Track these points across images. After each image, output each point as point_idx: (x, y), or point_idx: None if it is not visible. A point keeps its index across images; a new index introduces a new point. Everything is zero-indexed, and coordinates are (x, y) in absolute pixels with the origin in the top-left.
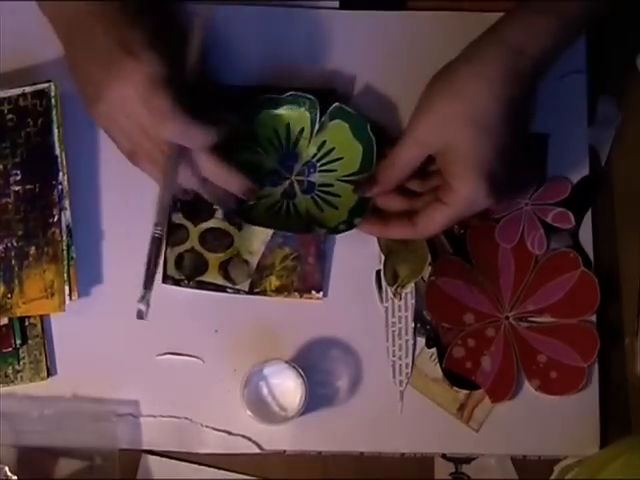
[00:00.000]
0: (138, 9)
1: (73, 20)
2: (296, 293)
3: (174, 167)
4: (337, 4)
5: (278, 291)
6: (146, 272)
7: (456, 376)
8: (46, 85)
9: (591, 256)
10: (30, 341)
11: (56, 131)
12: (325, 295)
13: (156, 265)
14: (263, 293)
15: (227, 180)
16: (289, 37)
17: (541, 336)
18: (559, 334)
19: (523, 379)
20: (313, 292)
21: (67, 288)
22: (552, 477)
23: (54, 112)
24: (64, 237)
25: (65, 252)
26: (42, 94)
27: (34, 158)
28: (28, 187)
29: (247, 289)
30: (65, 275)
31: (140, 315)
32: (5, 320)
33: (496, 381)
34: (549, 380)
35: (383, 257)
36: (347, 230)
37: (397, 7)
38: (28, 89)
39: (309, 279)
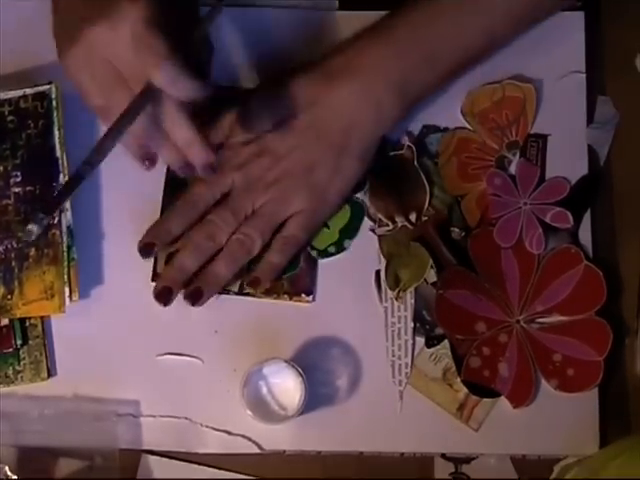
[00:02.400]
0: None
1: None
2: (286, 296)
3: (135, 112)
4: (337, 4)
5: (267, 293)
6: (54, 199)
7: (476, 386)
8: (47, 87)
9: (591, 256)
10: (30, 342)
11: (57, 133)
12: (321, 297)
13: (65, 198)
14: (252, 295)
15: (191, 147)
16: (289, 37)
17: (553, 335)
18: (571, 331)
19: (541, 381)
20: (303, 295)
21: (67, 289)
22: (552, 477)
23: (55, 114)
24: (64, 239)
25: (66, 253)
26: (43, 96)
27: (34, 160)
28: (28, 189)
29: (236, 290)
30: (65, 276)
31: (29, 235)
32: (6, 321)
33: (515, 386)
34: (567, 378)
35: (384, 261)
36: (337, 253)
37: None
38: (29, 91)
39: (299, 282)
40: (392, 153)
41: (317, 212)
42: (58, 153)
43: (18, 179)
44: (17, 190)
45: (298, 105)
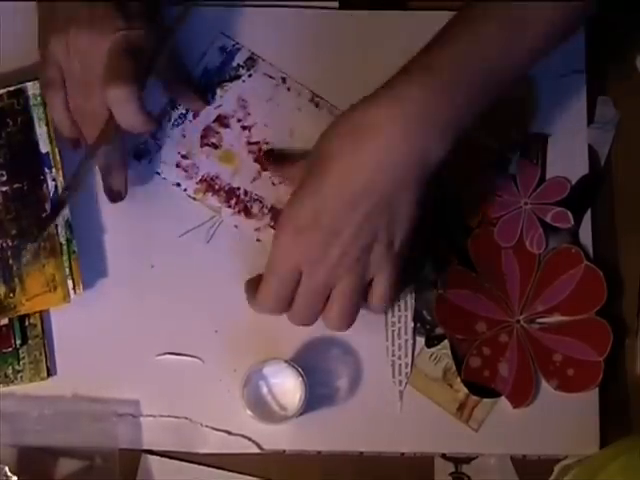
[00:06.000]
0: None
1: None
2: None
3: (110, 132)
4: (337, 4)
5: None
6: (40, 224)
7: (476, 386)
8: (22, 85)
9: (591, 256)
10: (30, 341)
11: (45, 128)
12: None
13: (50, 222)
14: None
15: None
16: (289, 37)
17: (554, 335)
18: (571, 331)
19: (541, 381)
20: None
21: (70, 282)
22: (552, 477)
23: (35, 110)
24: (60, 230)
25: (66, 247)
26: (18, 93)
27: (18, 157)
28: (16, 186)
29: None
30: (67, 269)
31: (24, 255)
32: (5, 320)
33: (515, 386)
34: (567, 378)
35: None
36: None
37: (397, 7)
38: (2, 90)
39: None
40: None
41: (394, 267)
42: (46, 148)
43: (4, 178)
44: (5, 189)
45: (329, 169)
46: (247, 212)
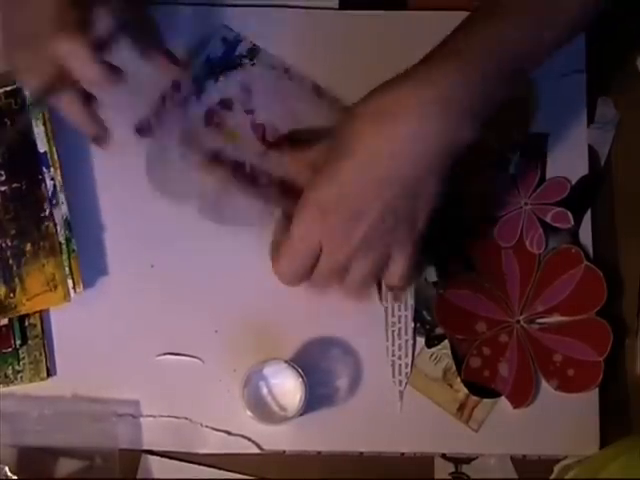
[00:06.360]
0: None
1: None
2: None
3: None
4: (337, 4)
5: None
6: None
7: (476, 386)
8: (18, 84)
9: (591, 256)
10: (30, 341)
11: (42, 127)
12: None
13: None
14: None
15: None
16: (288, 37)
17: (554, 335)
18: (571, 331)
19: (541, 381)
20: None
21: (71, 281)
22: (552, 477)
23: (32, 109)
24: (59, 230)
25: (65, 245)
26: (15, 92)
27: (16, 156)
28: (14, 186)
29: None
30: (67, 269)
31: None
32: (5, 320)
33: (515, 386)
34: (567, 378)
35: None
36: None
37: (397, 7)
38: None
39: None
40: None
41: (414, 247)
42: (43, 147)
43: (2, 178)
44: (3, 189)
45: (352, 153)
46: (255, 185)
